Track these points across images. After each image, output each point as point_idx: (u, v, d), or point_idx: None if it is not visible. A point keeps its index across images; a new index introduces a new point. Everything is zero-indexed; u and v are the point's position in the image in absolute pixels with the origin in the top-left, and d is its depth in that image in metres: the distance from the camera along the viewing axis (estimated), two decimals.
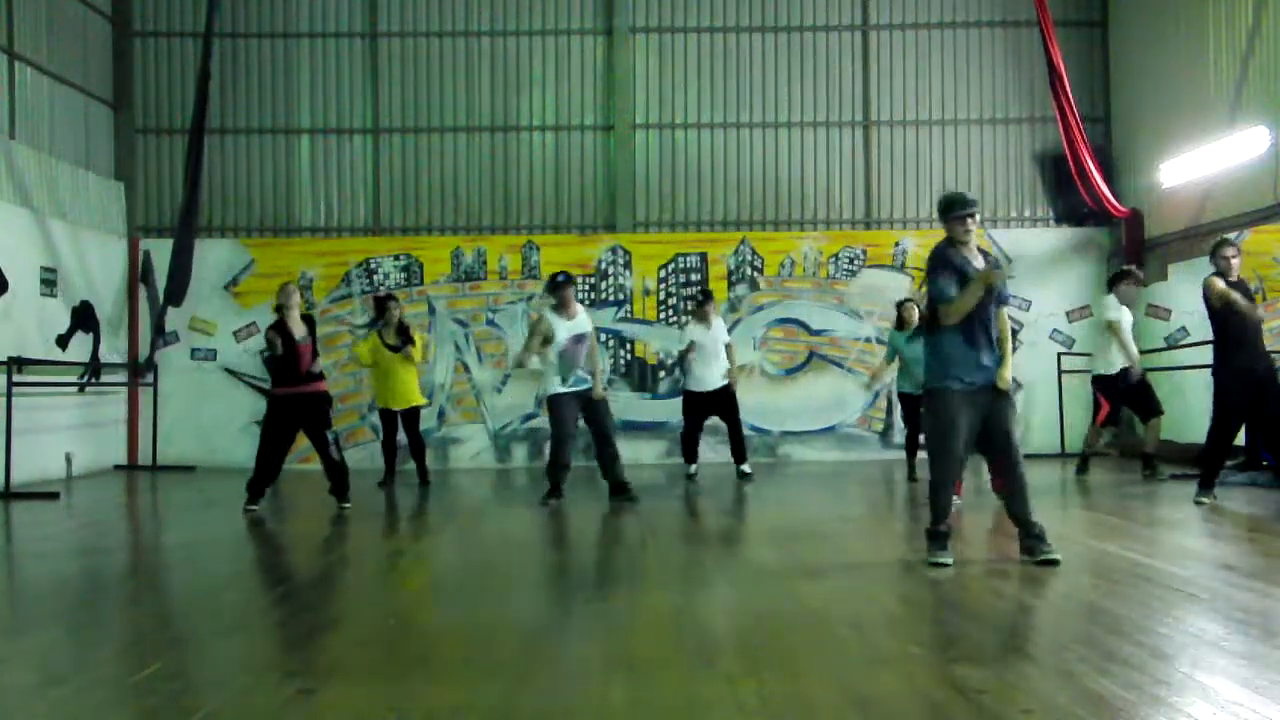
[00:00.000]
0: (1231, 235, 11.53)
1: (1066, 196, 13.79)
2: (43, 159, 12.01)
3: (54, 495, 10.11)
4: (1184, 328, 12.47)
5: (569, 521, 8.30)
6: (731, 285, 13.86)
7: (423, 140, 14.12)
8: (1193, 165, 12.18)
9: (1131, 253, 13.47)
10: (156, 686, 3.72)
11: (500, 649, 4.27)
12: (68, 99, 12.80)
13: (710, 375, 10.79)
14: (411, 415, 10.81)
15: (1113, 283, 10.69)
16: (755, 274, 13.89)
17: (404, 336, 10.61)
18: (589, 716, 3.39)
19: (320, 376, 8.91)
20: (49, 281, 11.91)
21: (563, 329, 8.89)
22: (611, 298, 13.77)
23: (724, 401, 10.83)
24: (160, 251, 13.36)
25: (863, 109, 14.24)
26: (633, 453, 13.12)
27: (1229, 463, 10.26)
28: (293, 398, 8.70)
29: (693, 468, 11.08)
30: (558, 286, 9.06)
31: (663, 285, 13.79)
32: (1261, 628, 4.34)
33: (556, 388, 8.98)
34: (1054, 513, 8.36)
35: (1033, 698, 3.44)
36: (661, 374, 13.70)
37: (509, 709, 3.44)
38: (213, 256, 13.57)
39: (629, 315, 13.75)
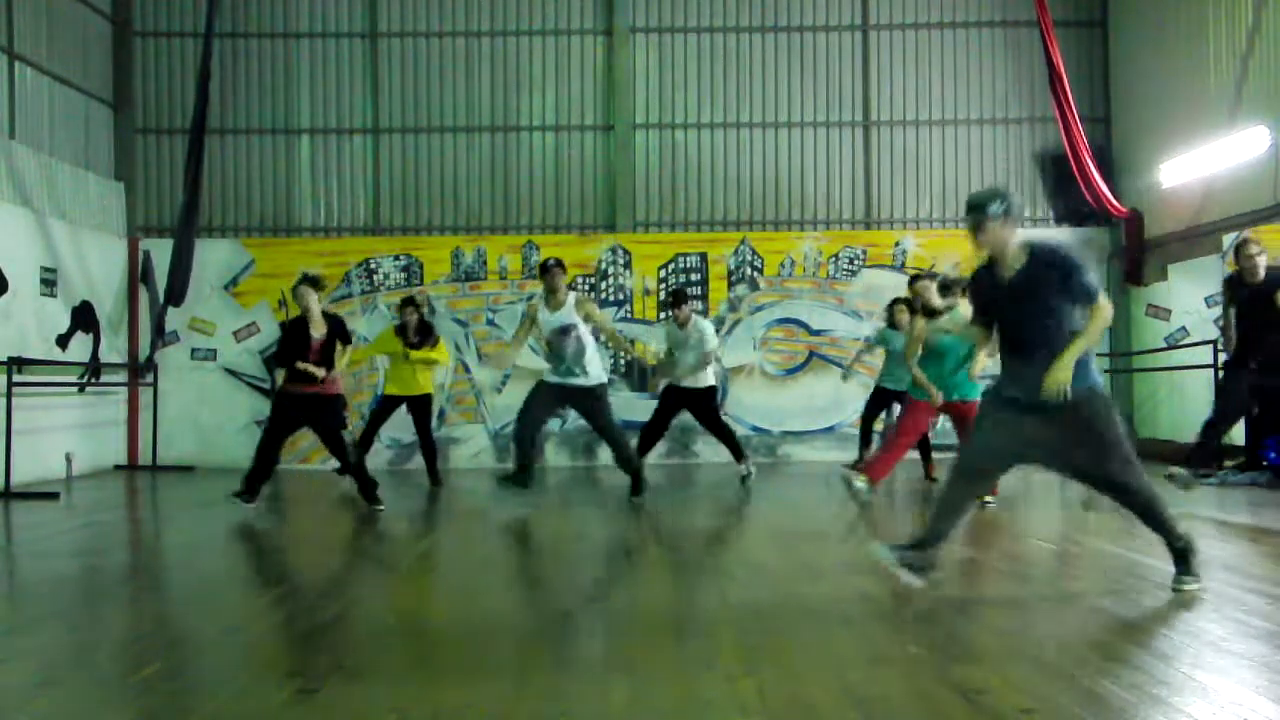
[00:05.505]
0: (1230, 235, 11.57)
1: (1066, 196, 13.80)
2: (43, 159, 12.01)
3: (54, 495, 10.10)
4: (1184, 328, 12.47)
5: (568, 521, 8.29)
6: (731, 285, 13.86)
7: (423, 140, 14.12)
8: (1193, 165, 12.18)
9: (1131, 252, 13.48)
10: (156, 686, 3.72)
11: (500, 649, 4.27)
12: (68, 99, 12.80)
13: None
14: (420, 407, 10.45)
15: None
16: (755, 274, 13.89)
17: (424, 334, 10.37)
18: (589, 716, 3.39)
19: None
20: (49, 281, 11.91)
21: (546, 319, 8.75)
22: (611, 298, 13.76)
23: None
24: (160, 251, 13.37)
25: (863, 109, 14.24)
26: None
27: (1229, 463, 10.27)
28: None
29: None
30: (542, 272, 8.93)
31: (663, 285, 13.79)
32: (1261, 628, 4.34)
33: (547, 374, 8.93)
34: (1053, 512, 8.36)
35: (1033, 698, 3.44)
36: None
37: (509, 709, 3.43)
38: (213, 256, 13.58)
39: (629, 315, 13.75)
